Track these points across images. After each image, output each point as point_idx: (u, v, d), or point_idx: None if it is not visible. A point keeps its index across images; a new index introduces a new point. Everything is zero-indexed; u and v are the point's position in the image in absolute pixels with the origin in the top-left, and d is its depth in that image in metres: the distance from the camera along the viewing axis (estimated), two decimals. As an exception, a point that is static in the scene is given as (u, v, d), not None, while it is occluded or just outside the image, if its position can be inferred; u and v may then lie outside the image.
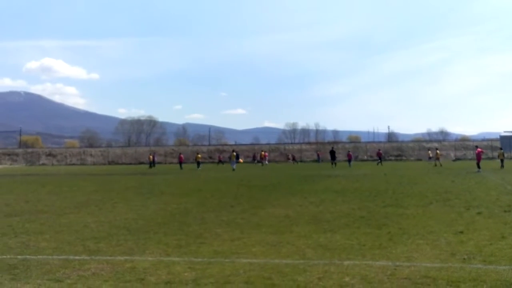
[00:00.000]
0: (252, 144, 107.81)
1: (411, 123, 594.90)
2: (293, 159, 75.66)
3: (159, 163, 76.63)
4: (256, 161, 72.50)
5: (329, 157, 54.82)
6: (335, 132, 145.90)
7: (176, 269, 7.59)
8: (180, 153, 64.99)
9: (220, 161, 63.80)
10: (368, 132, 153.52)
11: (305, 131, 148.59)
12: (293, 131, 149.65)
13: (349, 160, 54.04)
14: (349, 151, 60.06)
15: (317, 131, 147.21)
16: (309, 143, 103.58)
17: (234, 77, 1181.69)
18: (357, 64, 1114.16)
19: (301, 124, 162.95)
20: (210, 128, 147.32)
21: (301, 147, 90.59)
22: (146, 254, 8.79)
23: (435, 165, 49.17)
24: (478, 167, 36.37)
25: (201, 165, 53.80)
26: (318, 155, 66.16)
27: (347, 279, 6.85)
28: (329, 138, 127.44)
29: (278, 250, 8.88)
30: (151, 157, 62.60)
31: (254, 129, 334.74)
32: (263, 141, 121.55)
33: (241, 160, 59.50)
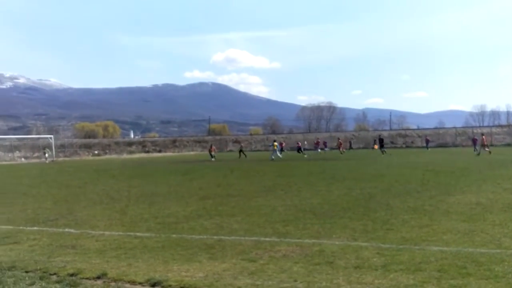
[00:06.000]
0: (436, 128, 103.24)
1: None
2: (324, 145, 66.92)
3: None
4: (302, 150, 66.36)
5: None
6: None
7: (364, 254, 7.58)
8: (281, 142, 64.26)
9: (210, 153, 54.23)
10: None
11: (495, 113, 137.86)
12: (481, 114, 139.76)
13: (474, 145, 49.35)
14: (476, 136, 54.71)
15: (508, 113, 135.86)
16: (500, 126, 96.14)
17: (415, 59, 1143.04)
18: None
19: (491, 106, 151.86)
20: (390, 112, 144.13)
21: (491, 130, 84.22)
22: (333, 238, 8.90)
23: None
24: None
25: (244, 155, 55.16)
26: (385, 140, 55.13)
27: (552, 271, 6.29)
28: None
29: (471, 239, 8.43)
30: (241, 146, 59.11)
31: (438, 112, 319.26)
32: (448, 125, 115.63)
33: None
